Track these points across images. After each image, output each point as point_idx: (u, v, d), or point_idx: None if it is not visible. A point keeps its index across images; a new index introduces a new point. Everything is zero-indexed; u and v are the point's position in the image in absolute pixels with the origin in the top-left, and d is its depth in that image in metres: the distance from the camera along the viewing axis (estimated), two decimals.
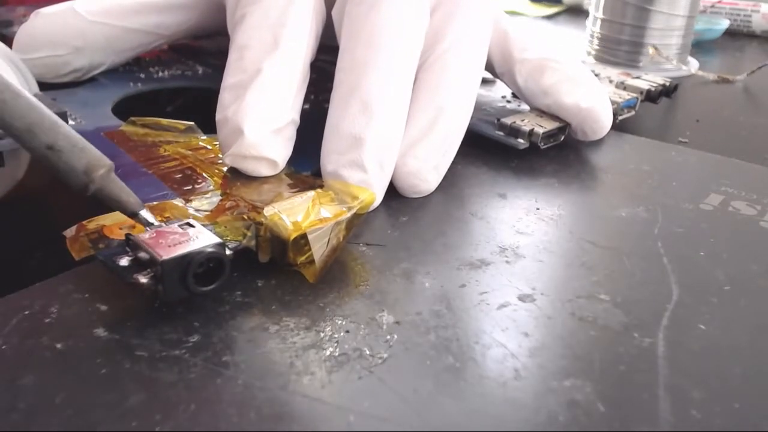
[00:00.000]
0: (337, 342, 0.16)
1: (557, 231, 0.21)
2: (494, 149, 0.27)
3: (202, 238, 0.16)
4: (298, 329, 0.16)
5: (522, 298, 0.18)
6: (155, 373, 0.15)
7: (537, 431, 0.14)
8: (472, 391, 0.15)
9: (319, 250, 0.18)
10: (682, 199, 0.24)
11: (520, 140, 0.27)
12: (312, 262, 0.18)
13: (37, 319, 0.16)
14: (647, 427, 0.14)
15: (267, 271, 0.18)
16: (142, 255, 0.16)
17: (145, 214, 0.17)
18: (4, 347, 0.15)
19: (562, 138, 0.28)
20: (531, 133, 0.27)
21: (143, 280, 0.16)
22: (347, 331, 0.16)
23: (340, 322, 0.17)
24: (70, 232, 0.17)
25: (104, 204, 0.17)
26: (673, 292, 0.18)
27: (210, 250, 0.16)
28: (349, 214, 0.19)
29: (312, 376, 0.15)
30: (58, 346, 0.15)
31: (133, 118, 0.25)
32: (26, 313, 0.16)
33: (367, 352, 0.16)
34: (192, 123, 0.25)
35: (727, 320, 0.17)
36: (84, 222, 0.17)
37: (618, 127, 0.31)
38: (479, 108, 0.30)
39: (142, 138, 0.24)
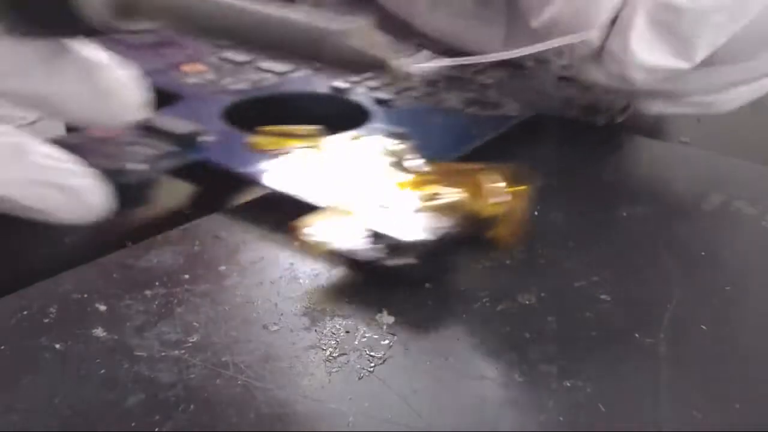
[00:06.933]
0: (337, 342, 0.16)
1: (557, 231, 0.21)
2: (494, 149, 0.27)
3: None
4: (298, 329, 0.16)
5: (522, 299, 0.18)
6: (155, 373, 0.15)
7: None
8: (472, 392, 0.15)
9: (507, 221, 0.20)
10: (683, 198, 0.24)
11: (599, 117, 0.29)
12: (505, 235, 0.20)
13: (36, 319, 0.16)
14: (648, 428, 0.14)
15: (267, 271, 0.18)
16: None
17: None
18: (3, 347, 0.15)
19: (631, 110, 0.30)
20: (606, 109, 0.29)
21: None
22: (347, 332, 0.16)
23: (340, 322, 0.17)
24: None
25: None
26: (673, 292, 0.18)
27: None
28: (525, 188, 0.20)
29: (312, 377, 0.15)
30: (57, 346, 0.15)
31: (259, 128, 0.24)
32: (25, 313, 0.16)
33: (367, 352, 0.16)
34: (319, 126, 0.24)
35: (728, 320, 0.17)
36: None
37: (618, 127, 0.31)
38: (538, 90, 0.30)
39: (278, 146, 0.24)
